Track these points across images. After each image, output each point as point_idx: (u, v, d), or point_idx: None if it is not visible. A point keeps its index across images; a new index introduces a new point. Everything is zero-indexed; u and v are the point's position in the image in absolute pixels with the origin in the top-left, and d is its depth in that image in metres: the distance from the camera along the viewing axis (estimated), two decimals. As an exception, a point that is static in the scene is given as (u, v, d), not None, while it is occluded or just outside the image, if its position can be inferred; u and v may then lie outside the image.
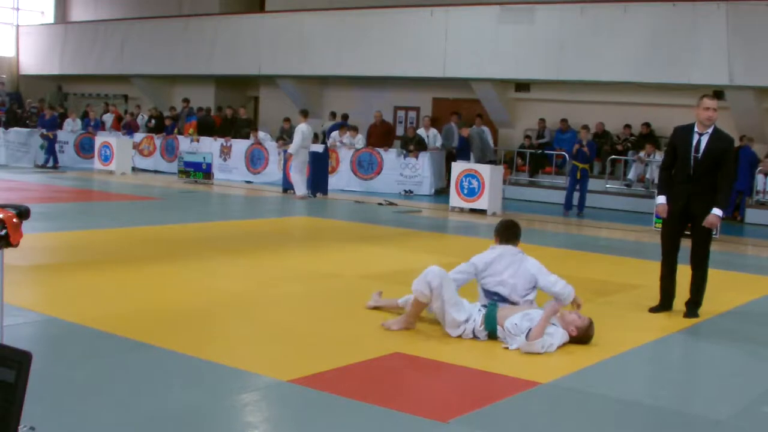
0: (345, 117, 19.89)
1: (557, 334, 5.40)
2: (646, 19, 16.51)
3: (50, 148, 20.49)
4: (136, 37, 24.15)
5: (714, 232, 11.89)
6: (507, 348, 5.35)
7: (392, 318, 5.86)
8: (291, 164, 15.94)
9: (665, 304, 6.88)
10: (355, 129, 19.05)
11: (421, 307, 5.66)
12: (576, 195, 15.68)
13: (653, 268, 7.99)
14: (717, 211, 6.63)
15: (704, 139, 6.60)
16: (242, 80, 23.99)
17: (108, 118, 23.29)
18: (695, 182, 6.61)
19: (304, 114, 16.32)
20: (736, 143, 16.33)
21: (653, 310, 6.85)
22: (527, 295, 5.82)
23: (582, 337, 5.49)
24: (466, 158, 15.83)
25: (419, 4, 19.44)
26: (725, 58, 15.55)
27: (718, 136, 6.64)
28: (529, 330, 5.30)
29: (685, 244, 6.87)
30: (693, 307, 6.69)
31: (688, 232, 6.83)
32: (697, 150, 6.59)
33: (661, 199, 6.82)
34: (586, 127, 15.99)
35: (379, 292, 6.45)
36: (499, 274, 5.83)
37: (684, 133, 6.73)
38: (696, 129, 6.65)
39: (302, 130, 15.75)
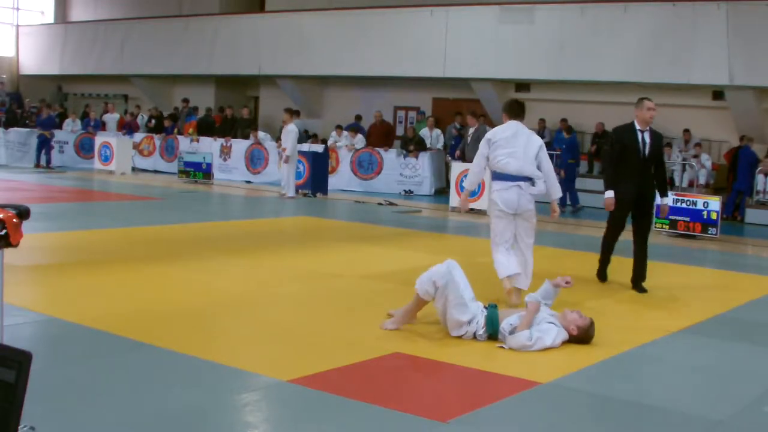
0: (358, 118, 19.87)
1: (551, 332, 5.38)
2: (646, 19, 16.51)
3: (44, 148, 20.30)
4: (136, 37, 24.15)
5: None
6: (502, 347, 5.35)
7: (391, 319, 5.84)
8: (286, 165, 15.85)
9: (604, 275, 7.94)
10: (354, 130, 19.04)
11: (422, 303, 5.62)
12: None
13: (653, 268, 8.02)
14: (667, 200, 7.91)
15: (647, 136, 7.44)
16: (242, 80, 23.99)
17: (109, 118, 23.27)
18: (643, 175, 7.46)
19: (291, 113, 16.14)
20: (736, 143, 16.46)
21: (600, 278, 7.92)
22: (536, 180, 6.56)
23: (583, 336, 5.48)
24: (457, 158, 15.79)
25: (419, 4, 19.43)
26: (725, 58, 15.55)
27: (654, 132, 7.51)
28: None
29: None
30: (641, 283, 7.57)
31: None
32: (644, 146, 7.40)
33: (610, 194, 7.48)
34: (563, 121, 16.29)
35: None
36: (512, 146, 6.60)
37: (630, 132, 7.49)
38: (638, 128, 7.43)
39: (294, 131, 15.69)
